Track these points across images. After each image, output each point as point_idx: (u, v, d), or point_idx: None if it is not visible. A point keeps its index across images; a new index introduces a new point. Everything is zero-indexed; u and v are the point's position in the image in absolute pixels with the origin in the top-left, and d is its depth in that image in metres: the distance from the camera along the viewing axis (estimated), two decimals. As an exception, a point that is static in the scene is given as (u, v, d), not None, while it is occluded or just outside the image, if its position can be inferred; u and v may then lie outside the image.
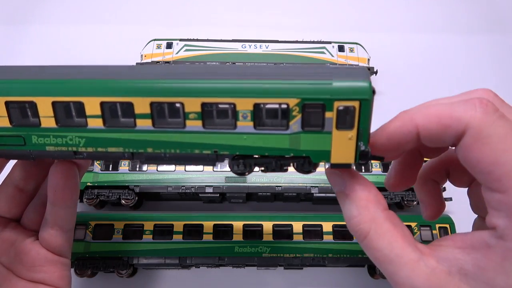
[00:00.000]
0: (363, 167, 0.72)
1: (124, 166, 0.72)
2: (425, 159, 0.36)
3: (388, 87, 0.83)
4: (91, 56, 0.93)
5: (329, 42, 0.90)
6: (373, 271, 0.69)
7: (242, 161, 0.34)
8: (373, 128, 0.31)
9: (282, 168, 0.34)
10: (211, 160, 0.33)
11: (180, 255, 0.65)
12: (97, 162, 0.71)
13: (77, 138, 0.33)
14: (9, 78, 0.32)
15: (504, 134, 0.26)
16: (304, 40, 0.91)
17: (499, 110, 0.27)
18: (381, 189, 0.33)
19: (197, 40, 0.90)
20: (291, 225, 0.67)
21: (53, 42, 0.97)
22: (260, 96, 0.30)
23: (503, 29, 1.01)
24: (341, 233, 0.66)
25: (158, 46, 0.89)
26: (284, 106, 0.30)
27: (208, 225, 0.66)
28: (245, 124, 0.31)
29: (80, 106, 0.32)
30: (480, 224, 0.35)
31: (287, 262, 0.65)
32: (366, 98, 0.29)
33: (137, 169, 0.71)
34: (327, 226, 0.67)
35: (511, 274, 0.25)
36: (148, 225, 0.66)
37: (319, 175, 0.69)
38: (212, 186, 0.70)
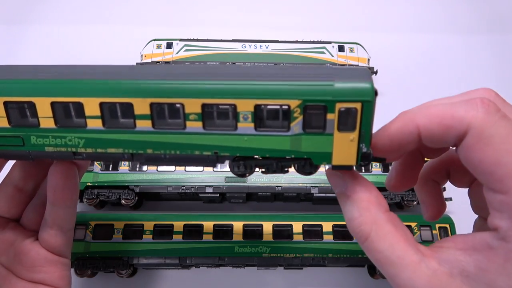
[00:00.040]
0: (363, 168, 0.72)
1: (124, 166, 0.72)
2: (425, 159, 0.36)
3: (388, 87, 0.83)
4: (91, 56, 0.93)
5: (329, 42, 0.90)
6: (373, 271, 0.69)
7: (243, 163, 0.33)
8: (373, 129, 0.31)
9: (283, 170, 0.33)
10: (212, 161, 0.33)
11: (180, 255, 0.65)
12: (97, 162, 0.71)
13: (76, 138, 0.33)
14: (7, 78, 0.32)
15: (506, 134, 0.26)
16: (304, 40, 0.91)
17: (501, 110, 0.27)
18: (381, 189, 0.33)
19: (197, 40, 0.90)
20: (291, 225, 0.67)
21: (53, 42, 0.97)
22: (261, 98, 0.29)
23: (503, 29, 1.01)
24: (341, 233, 0.66)
25: (158, 46, 0.89)
26: (285, 107, 0.30)
27: (208, 225, 0.66)
28: (245, 126, 0.31)
29: (79, 107, 0.32)
30: (481, 224, 0.34)
31: (287, 262, 0.65)
32: (368, 100, 0.28)
33: (137, 169, 0.71)
34: (327, 226, 0.67)
35: None
36: (148, 225, 0.66)
37: (319, 175, 0.69)
38: (212, 186, 0.70)
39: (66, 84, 0.31)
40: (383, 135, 0.30)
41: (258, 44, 0.90)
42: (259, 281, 0.70)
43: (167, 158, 0.33)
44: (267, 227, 0.66)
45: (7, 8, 1.02)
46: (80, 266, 0.64)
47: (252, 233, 0.66)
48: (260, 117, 0.30)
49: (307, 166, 0.33)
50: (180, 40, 0.90)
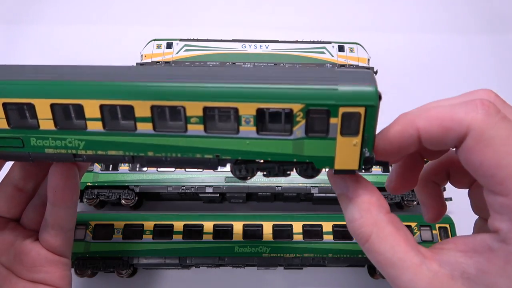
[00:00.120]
0: (363, 168, 0.72)
1: (124, 166, 0.72)
2: (425, 159, 0.36)
3: (388, 87, 0.82)
4: (91, 56, 0.93)
5: (329, 42, 0.90)
6: (373, 271, 0.69)
7: (244, 166, 0.33)
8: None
9: (284, 173, 0.33)
10: (213, 164, 0.33)
11: (180, 255, 0.65)
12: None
13: (76, 140, 0.33)
14: (7, 79, 0.32)
15: (507, 136, 0.25)
16: (304, 40, 0.91)
17: (501, 112, 0.26)
18: (381, 189, 0.33)
19: (197, 40, 0.90)
20: (291, 225, 0.67)
21: (53, 42, 0.97)
22: (263, 101, 0.29)
23: (504, 29, 1.01)
24: (341, 233, 0.66)
25: (158, 46, 0.89)
26: (287, 111, 0.29)
27: (208, 225, 0.66)
28: (247, 129, 0.30)
29: (79, 109, 0.31)
30: (481, 225, 0.35)
31: (287, 262, 0.65)
32: (372, 105, 0.28)
33: (137, 169, 0.72)
34: (327, 226, 0.67)
35: None
36: (148, 225, 0.66)
37: (319, 175, 0.69)
38: (212, 186, 0.70)
39: (66, 86, 0.31)
40: (382, 138, 0.30)
41: (258, 44, 0.89)
42: (259, 281, 0.70)
43: (168, 161, 0.33)
44: (267, 227, 0.66)
45: (6, 8, 1.02)
46: (80, 266, 0.64)
47: (252, 233, 0.66)
48: (262, 120, 0.30)
49: (309, 170, 0.32)
50: (180, 40, 0.90)
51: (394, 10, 1.05)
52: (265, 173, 0.34)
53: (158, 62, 0.88)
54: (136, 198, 0.71)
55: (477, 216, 0.35)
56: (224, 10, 1.04)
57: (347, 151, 0.30)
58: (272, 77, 0.30)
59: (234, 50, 0.89)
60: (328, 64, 0.87)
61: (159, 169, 0.71)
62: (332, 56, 0.88)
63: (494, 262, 0.26)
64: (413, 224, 0.67)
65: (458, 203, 0.66)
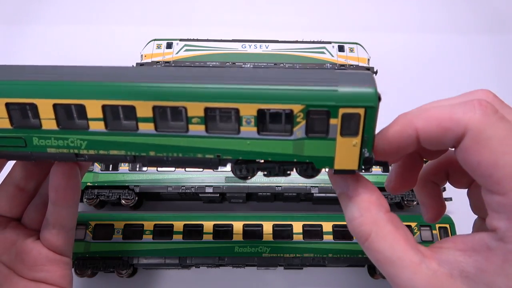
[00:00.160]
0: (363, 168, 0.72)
1: (124, 166, 0.72)
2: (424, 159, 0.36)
3: (388, 87, 0.83)
4: (91, 56, 0.93)
5: (329, 42, 0.90)
6: (373, 271, 0.69)
7: (245, 166, 0.33)
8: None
9: (285, 173, 0.33)
10: (214, 164, 0.33)
11: (180, 255, 0.65)
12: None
13: (78, 140, 0.33)
14: (10, 79, 0.32)
15: (504, 136, 0.26)
16: (304, 40, 0.91)
17: (498, 112, 0.27)
18: (381, 189, 0.33)
19: (197, 40, 0.90)
20: (291, 225, 0.67)
21: (53, 42, 0.97)
22: (264, 102, 0.29)
23: (504, 29, 1.01)
24: (341, 233, 0.66)
25: (158, 46, 0.89)
26: (288, 112, 0.30)
27: (208, 225, 0.66)
28: (248, 130, 0.31)
29: (81, 109, 0.32)
30: (480, 224, 0.35)
31: (287, 262, 0.65)
32: (372, 106, 0.28)
33: (137, 169, 0.72)
34: (327, 226, 0.67)
35: (511, 277, 0.25)
36: (148, 225, 0.66)
37: (320, 175, 0.69)
38: (212, 186, 0.70)
39: (69, 86, 0.31)
40: (381, 138, 0.30)
41: (258, 44, 0.89)
42: (259, 281, 0.70)
43: (170, 161, 0.33)
44: (267, 227, 0.66)
45: (7, 8, 1.02)
46: (80, 266, 0.64)
47: (252, 233, 0.66)
48: (263, 121, 0.30)
49: (309, 170, 0.33)
50: (180, 40, 0.90)
51: (394, 10, 1.05)
52: (265, 173, 0.34)
53: (158, 62, 0.88)
54: (136, 198, 0.71)
55: (476, 216, 0.36)
56: (224, 10, 1.04)
57: (346, 151, 0.30)
58: (272, 78, 0.30)
59: (234, 50, 0.89)
60: (328, 64, 0.88)
61: (159, 169, 0.71)
62: (332, 56, 0.88)
63: (492, 260, 0.26)
64: (413, 224, 0.67)
65: (458, 203, 0.66)
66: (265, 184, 0.71)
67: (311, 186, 0.71)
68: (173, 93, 0.30)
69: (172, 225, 0.66)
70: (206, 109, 0.30)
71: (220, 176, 0.71)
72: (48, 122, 0.32)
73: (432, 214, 0.37)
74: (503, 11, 1.04)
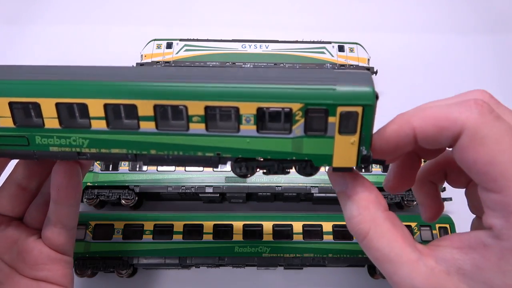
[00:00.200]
0: (363, 168, 0.72)
1: (124, 166, 0.72)
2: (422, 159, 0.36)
3: (388, 87, 0.83)
4: (91, 56, 0.93)
5: (329, 42, 0.90)
6: (373, 271, 0.69)
7: (245, 164, 0.34)
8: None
9: (284, 171, 0.34)
10: (214, 162, 0.34)
11: (180, 255, 0.65)
12: (97, 162, 0.71)
13: (80, 139, 0.33)
14: (13, 79, 0.32)
15: (500, 134, 0.26)
16: (304, 40, 0.91)
17: (494, 111, 0.27)
18: (381, 189, 0.33)
19: (197, 40, 0.90)
20: (291, 225, 0.67)
21: (53, 42, 0.97)
22: (264, 101, 0.30)
23: (504, 29, 1.01)
24: (341, 233, 0.66)
25: (158, 46, 0.89)
26: (287, 110, 0.30)
27: (208, 225, 0.66)
28: (248, 128, 0.31)
29: (84, 108, 0.32)
30: (478, 224, 0.35)
31: (287, 262, 0.65)
32: (369, 104, 0.29)
33: (137, 169, 0.72)
34: (327, 226, 0.67)
35: (507, 273, 0.25)
36: (148, 225, 0.66)
37: (319, 175, 0.69)
38: (212, 186, 0.70)
39: (71, 86, 0.32)
40: (379, 137, 0.30)
41: (258, 44, 0.90)
42: (259, 281, 0.70)
43: (170, 159, 0.34)
44: (267, 227, 0.66)
45: (7, 8, 1.02)
46: (80, 266, 0.64)
47: (252, 233, 0.66)
48: (262, 119, 0.31)
49: (308, 167, 0.33)
50: (180, 40, 0.90)
51: (394, 10, 1.05)
52: (265, 170, 0.34)
53: (158, 62, 0.88)
54: (136, 198, 0.72)
55: (475, 216, 0.36)
56: (224, 10, 1.04)
57: (345, 149, 0.31)
58: (272, 78, 0.30)
59: (234, 50, 0.89)
60: (328, 64, 0.88)
61: (159, 169, 0.72)
62: (332, 56, 0.89)
63: (488, 258, 0.26)
64: (413, 224, 0.67)
65: (458, 203, 0.66)
66: (265, 184, 0.71)
67: (311, 186, 0.71)
68: (174, 92, 0.30)
69: (172, 225, 0.66)
70: (207, 108, 0.31)
71: (220, 176, 0.71)
72: (51, 121, 0.33)
73: (430, 214, 0.38)
74: (503, 11, 1.04)
